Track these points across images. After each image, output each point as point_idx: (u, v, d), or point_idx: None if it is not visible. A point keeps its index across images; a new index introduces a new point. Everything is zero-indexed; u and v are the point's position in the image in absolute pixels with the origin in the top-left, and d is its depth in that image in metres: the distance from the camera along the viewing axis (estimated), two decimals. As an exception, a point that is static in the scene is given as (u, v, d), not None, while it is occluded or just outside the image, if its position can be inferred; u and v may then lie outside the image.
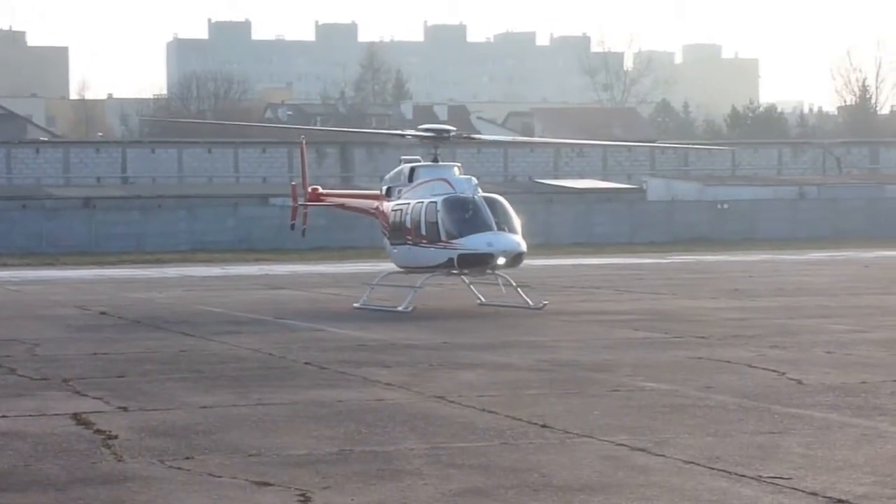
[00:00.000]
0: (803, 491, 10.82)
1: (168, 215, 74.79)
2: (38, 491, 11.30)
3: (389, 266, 33.95)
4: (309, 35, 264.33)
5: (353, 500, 10.78)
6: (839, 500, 10.45)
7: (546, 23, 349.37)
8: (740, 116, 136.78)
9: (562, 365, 20.09)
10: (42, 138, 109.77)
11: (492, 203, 31.08)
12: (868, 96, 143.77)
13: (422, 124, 37.19)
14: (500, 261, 30.52)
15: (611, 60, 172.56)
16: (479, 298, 32.54)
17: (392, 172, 34.36)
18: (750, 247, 69.45)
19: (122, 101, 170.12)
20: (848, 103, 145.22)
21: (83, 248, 69.12)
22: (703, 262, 56.41)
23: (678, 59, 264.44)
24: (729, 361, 20.08)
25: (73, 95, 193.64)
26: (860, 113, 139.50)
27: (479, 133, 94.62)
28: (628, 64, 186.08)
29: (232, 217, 75.32)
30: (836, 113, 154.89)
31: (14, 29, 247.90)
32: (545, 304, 30.96)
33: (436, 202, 31.13)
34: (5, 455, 12.95)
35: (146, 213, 74.74)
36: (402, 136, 41.40)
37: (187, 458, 12.62)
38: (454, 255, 30.61)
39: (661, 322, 27.28)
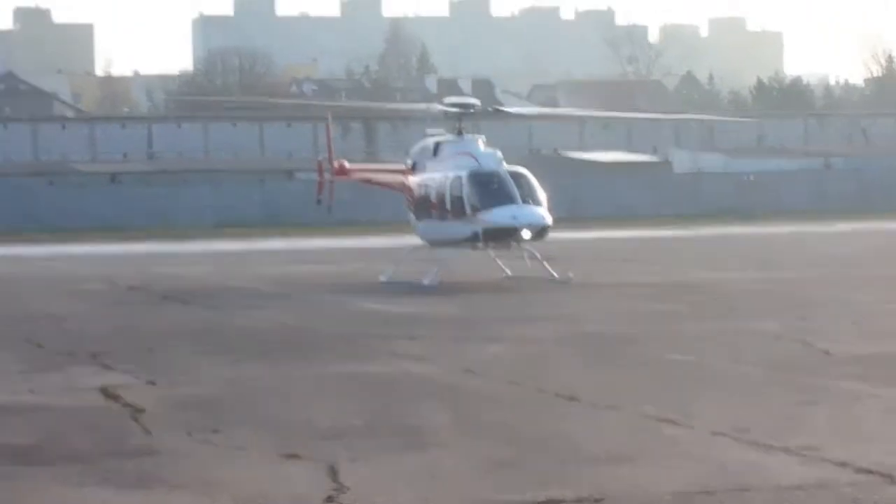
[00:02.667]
0: (832, 461, 10.76)
1: (194, 190, 74.91)
2: (67, 464, 11.31)
3: (415, 240, 33.94)
4: (334, 11, 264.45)
5: (380, 471, 10.77)
6: (869, 471, 10.40)
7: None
8: (766, 88, 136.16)
9: (588, 337, 20.05)
10: (68, 114, 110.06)
11: (516, 176, 31.02)
12: (894, 67, 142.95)
13: (446, 98, 37.10)
14: (525, 234, 30.46)
15: (635, 33, 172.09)
16: (504, 272, 32.51)
17: (417, 146, 34.30)
18: (776, 219, 69.21)
19: (148, 78, 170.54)
20: (874, 75, 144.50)
21: (110, 224, 69.27)
22: (730, 235, 56.26)
23: (703, 32, 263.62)
24: (756, 333, 20.01)
25: (99, 72, 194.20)
26: (886, 84, 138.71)
27: (503, 106, 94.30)
28: (653, 37, 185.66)
29: (258, 192, 75.42)
30: (862, 85, 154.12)
31: (40, 6, 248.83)
32: (571, 277, 30.90)
33: (461, 176, 31.08)
34: (33, 429, 12.99)
35: (172, 188, 74.88)
36: (427, 110, 41.33)
37: (215, 431, 12.61)
38: (479, 228, 30.57)
39: (687, 294, 27.20)
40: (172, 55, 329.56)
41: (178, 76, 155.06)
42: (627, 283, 30.77)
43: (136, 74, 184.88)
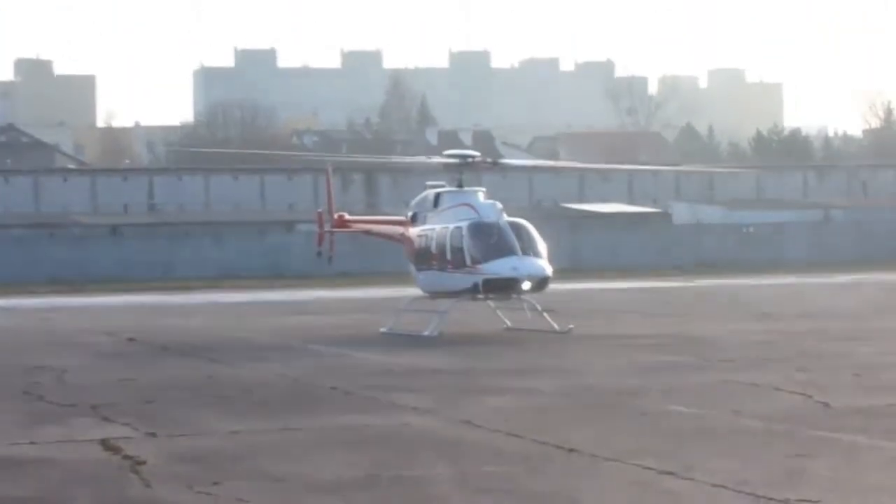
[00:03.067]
0: (832, 514, 10.78)
1: (195, 242, 74.98)
2: (68, 517, 11.33)
3: (415, 291, 33.97)
4: (335, 63, 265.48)
5: (380, 524, 10.78)
6: (868, 523, 10.41)
7: (570, 48, 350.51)
8: (765, 140, 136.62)
9: (588, 389, 20.07)
10: (69, 166, 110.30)
11: (517, 228, 31.09)
12: (893, 119, 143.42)
13: (447, 150, 37.24)
14: (526, 285, 30.52)
15: (635, 85, 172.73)
16: (505, 323, 32.54)
17: (417, 198, 34.40)
18: (776, 270, 69.27)
19: (149, 129, 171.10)
20: (873, 126, 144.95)
21: (111, 276, 69.26)
22: (729, 286, 56.27)
23: (703, 84, 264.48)
24: (756, 385, 20.02)
25: (100, 124, 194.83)
26: (885, 136, 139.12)
27: (503, 158, 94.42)
28: (653, 88, 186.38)
29: (259, 244, 75.47)
30: (861, 136, 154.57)
31: (41, 58, 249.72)
32: (571, 329, 30.93)
33: (461, 227, 31.17)
34: (35, 482, 13.00)
35: (173, 240, 74.94)
36: (427, 162, 41.46)
37: (215, 483, 12.63)
38: (479, 279, 30.62)
39: (687, 346, 27.21)
40: (174, 107, 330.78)
41: (180, 128, 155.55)
42: (627, 334, 30.79)
43: (138, 126, 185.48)
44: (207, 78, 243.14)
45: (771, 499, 11.42)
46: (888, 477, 12.47)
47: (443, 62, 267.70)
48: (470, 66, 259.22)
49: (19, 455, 14.61)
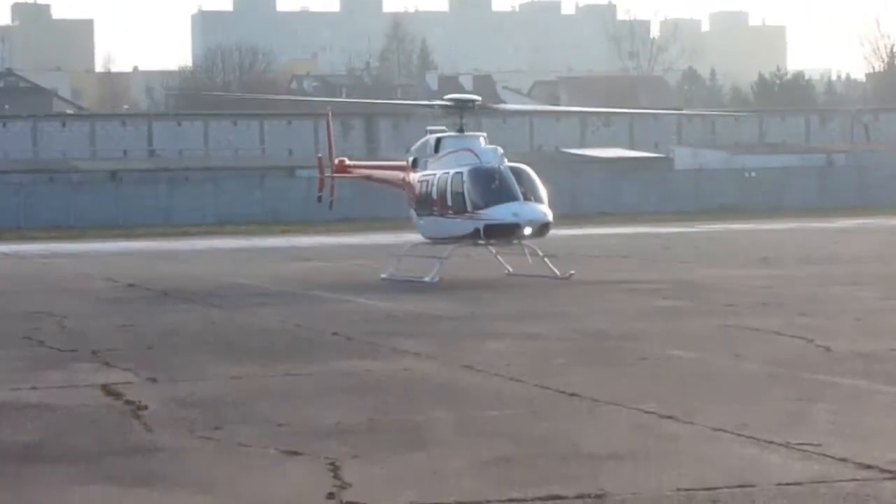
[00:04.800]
0: (833, 457, 10.79)
1: (195, 188, 74.98)
2: (69, 462, 11.34)
3: (416, 237, 33.95)
4: (334, 6, 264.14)
5: (382, 468, 10.80)
6: (869, 466, 10.42)
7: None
8: (767, 84, 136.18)
9: (590, 334, 20.07)
10: (68, 111, 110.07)
11: (518, 173, 31.02)
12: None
13: (447, 95, 37.12)
14: (527, 231, 30.47)
15: (637, 28, 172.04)
16: (506, 269, 32.52)
17: (418, 143, 34.32)
18: (778, 215, 69.24)
19: (148, 74, 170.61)
20: (876, 70, 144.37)
21: (110, 222, 69.33)
22: (731, 231, 56.27)
23: (705, 27, 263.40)
24: (757, 329, 20.01)
25: (99, 68, 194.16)
26: (888, 80, 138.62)
27: (504, 103, 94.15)
28: (654, 32, 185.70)
29: (258, 189, 75.47)
30: (864, 80, 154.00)
31: (39, 2, 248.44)
32: (572, 274, 30.92)
33: (462, 172, 31.09)
34: (36, 427, 13.01)
35: (173, 185, 74.93)
36: (428, 106, 41.34)
37: (217, 428, 12.64)
38: (480, 225, 30.57)
39: (688, 291, 27.21)
40: (172, 51, 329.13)
41: (178, 72, 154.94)
42: (628, 280, 30.78)
43: (136, 70, 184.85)
44: (206, 22, 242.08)
45: (771, 442, 11.42)
46: (889, 421, 12.47)
47: (443, 5, 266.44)
48: (470, 9, 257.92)
49: (20, 400, 14.62)
